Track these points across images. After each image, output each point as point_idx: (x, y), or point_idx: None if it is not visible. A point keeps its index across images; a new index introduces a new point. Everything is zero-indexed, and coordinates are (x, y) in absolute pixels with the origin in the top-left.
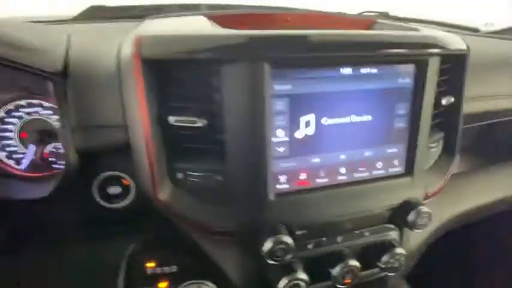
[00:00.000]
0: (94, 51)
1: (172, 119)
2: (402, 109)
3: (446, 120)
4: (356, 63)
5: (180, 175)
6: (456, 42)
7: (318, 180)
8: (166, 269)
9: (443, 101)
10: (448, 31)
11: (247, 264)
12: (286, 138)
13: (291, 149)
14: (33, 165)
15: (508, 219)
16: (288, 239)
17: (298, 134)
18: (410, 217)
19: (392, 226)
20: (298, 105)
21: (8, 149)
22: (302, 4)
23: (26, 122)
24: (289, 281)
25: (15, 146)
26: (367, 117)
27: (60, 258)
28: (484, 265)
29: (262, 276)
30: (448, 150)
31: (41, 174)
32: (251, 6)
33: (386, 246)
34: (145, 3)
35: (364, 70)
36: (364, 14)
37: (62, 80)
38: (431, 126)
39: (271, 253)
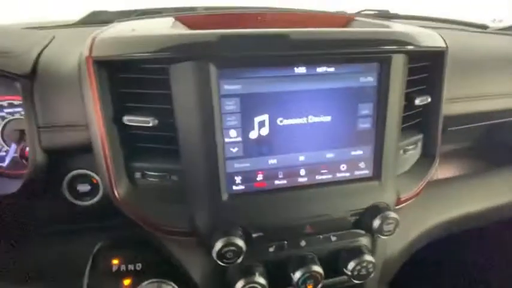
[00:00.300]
0: (64, 54)
1: (126, 119)
2: (366, 109)
3: (424, 121)
4: (310, 62)
5: (137, 174)
6: (431, 39)
7: (276, 182)
8: (131, 267)
9: (417, 101)
10: (455, 28)
11: (207, 265)
12: (239, 139)
13: (245, 150)
14: (14, 163)
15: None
16: (239, 241)
17: (252, 135)
18: (376, 223)
19: (362, 232)
20: (250, 105)
21: None
22: (302, 5)
23: (8, 122)
24: (246, 284)
25: None
26: (327, 118)
27: (30, 253)
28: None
29: (221, 277)
30: (427, 153)
31: (22, 172)
32: (239, 7)
33: (355, 253)
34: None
35: (320, 69)
36: (364, 12)
37: (29, 82)
38: (407, 127)
39: (221, 255)
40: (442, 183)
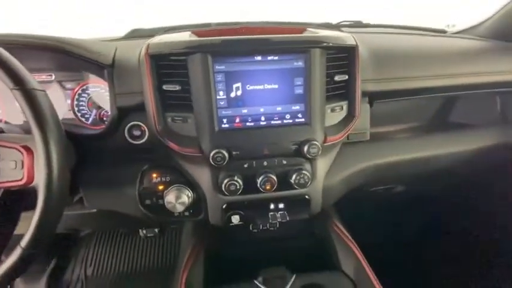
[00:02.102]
0: (129, 54)
1: (164, 87)
2: (299, 82)
3: (346, 93)
4: (263, 53)
5: (169, 119)
6: (342, 40)
7: (247, 124)
8: (163, 179)
9: (336, 78)
10: (418, 34)
11: (208, 172)
12: (224, 96)
13: (228, 103)
14: (94, 122)
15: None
16: (224, 152)
17: (232, 94)
18: (305, 147)
19: (303, 159)
20: (230, 77)
21: (82, 111)
22: (297, 17)
23: (91, 96)
24: (229, 181)
25: (85, 110)
26: (275, 86)
27: (107, 172)
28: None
29: (216, 180)
30: (349, 114)
31: (99, 127)
32: (238, 22)
33: (297, 169)
34: (171, 24)
35: (270, 57)
36: (342, 23)
37: (111, 69)
38: (334, 96)
39: (214, 159)
40: (378, 141)
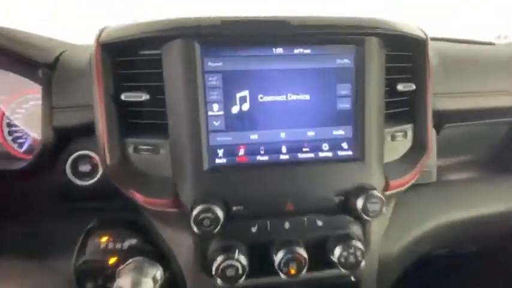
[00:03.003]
0: (80, 56)
1: (123, 96)
2: (345, 90)
3: (412, 111)
4: (286, 43)
5: (130, 149)
6: (407, 28)
7: (258, 158)
8: (118, 245)
9: (400, 87)
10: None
11: (189, 241)
12: (221, 113)
13: (227, 124)
14: (30, 149)
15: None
16: (217, 210)
17: (234, 109)
18: (359, 202)
19: (351, 218)
20: (232, 81)
21: (15, 134)
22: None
23: (31, 112)
24: (224, 261)
25: (20, 133)
26: (305, 96)
27: (28, 228)
28: None
29: (203, 255)
30: (417, 143)
31: None
32: None
33: (342, 238)
34: None
35: (296, 51)
36: None
37: (48, 71)
38: (395, 116)
39: (198, 221)
40: (447, 185)
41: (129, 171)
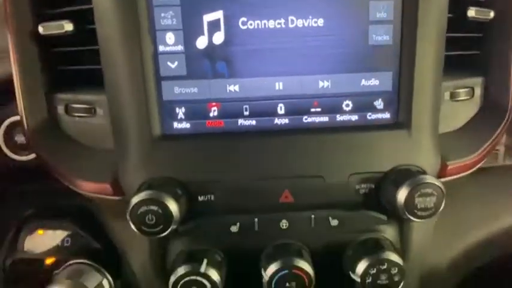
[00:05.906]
0: None
1: (41, 28)
2: (382, 11)
3: (484, 56)
4: None
5: (60, 109)
6: None
7: (241, 122)
8: (59, 242)
9: (472, 12)
10: None
11: (142, 242)
12: (181, 48)
13: (189, 66)
14: None
15: None
16: (168, 200)
17: (201, 42)
18: (402, 192)
19: (382, 216)
20: None
21: None
22: None
23: None
24: (186, 275)
25: None
26: (318, 22)
27: None
28: None
29: (160, 262)
30: (490, 106)
31: None
32: None
33: (369, 248)
34: None
35: None
36: None
37: None
38: (458, 61)
39: (137, 217)
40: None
41: (57, 140)
